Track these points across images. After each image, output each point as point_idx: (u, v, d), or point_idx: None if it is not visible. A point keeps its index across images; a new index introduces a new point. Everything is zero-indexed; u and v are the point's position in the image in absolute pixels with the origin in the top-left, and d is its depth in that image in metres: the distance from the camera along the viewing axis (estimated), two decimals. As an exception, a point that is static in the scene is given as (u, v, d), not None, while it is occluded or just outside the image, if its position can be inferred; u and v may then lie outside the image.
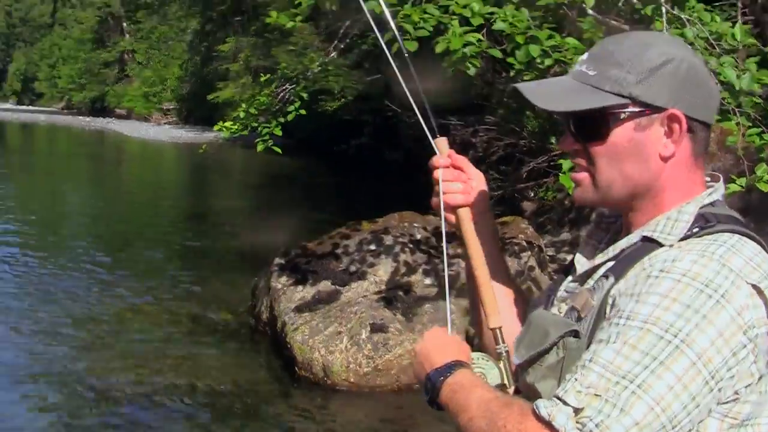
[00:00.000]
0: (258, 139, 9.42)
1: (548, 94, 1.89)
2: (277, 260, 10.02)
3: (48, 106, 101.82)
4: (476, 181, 2.20)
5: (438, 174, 2.16)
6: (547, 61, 6.97)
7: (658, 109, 1.79)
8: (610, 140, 1.81)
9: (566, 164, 6.85)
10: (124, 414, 8.24)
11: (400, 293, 9.10)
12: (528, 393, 1.85)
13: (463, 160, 2.20)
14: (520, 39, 6.98)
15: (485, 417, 1.73)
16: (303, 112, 9.59)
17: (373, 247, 9.72)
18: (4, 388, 8.63)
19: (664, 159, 1.81)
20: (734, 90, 6.65)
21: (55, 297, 11.99)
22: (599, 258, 1.89)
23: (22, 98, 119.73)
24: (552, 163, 12.43)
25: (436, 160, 2.18)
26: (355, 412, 8.40)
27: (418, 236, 9.94)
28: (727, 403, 1.66)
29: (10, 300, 11.74)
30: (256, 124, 9.64)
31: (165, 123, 63.34)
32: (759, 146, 6.60)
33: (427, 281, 9.31)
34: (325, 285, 9.32)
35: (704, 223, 1.77)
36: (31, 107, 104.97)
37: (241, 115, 9.73)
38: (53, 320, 10.86)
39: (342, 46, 12.06)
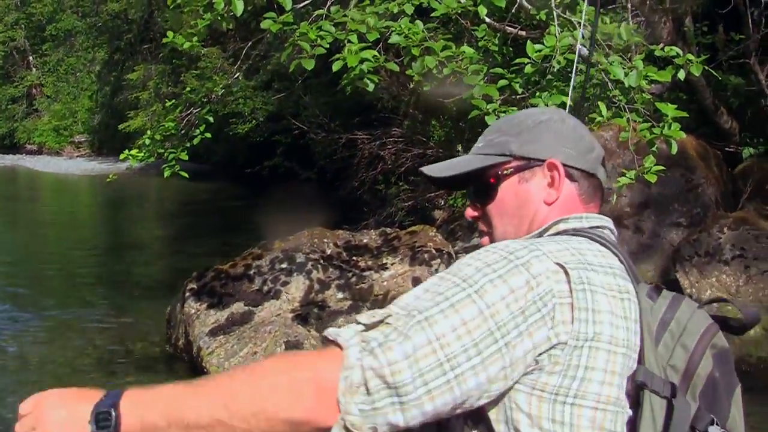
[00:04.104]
0: (165, 165, 9.37)
1: (442, 168, 2.10)
2: (191, 285, 10.00)
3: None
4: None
5: None
6: (445, 71, 7.07)
7: (537, 162, 1.99)
8: (499, 197, 2.02)
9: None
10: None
11: (315, 309, 9.14)
12: None
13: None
14: (415, 51, 7.07)
15: (253, 380, 1.69)
16: (208, 135, 9.54)
17: (285, 265, 9.74)
18: None
19: (548, 204, 1.98)
20: (624, 87, 6.84)
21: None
22: None
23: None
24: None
25: None
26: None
27: (329, 251, 10.00)
28: (532, 372, 1.70)
29: None
30: (162, 150, 9.57)
31: (77, 156, 62.41)
32: (649, 140, 6.77)
33: (340, 295, 9.38)
34: (239, 306, 9.33)
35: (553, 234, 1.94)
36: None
37: (147, 142, 9.65)
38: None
39: (245, 67, 12.08)
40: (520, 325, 1.66)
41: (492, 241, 2.01)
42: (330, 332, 1.68)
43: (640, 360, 1.76)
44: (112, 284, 15.73)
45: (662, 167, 6.89)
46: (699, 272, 9.57)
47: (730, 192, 11.62)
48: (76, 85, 68.64)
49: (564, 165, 1.97)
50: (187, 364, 9.67)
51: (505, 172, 2.00)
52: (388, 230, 10.92)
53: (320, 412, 1.62)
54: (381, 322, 1.66)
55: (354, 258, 9.95)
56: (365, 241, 10.45)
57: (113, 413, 1.70)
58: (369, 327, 1.66)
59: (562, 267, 1.74)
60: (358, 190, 16.14)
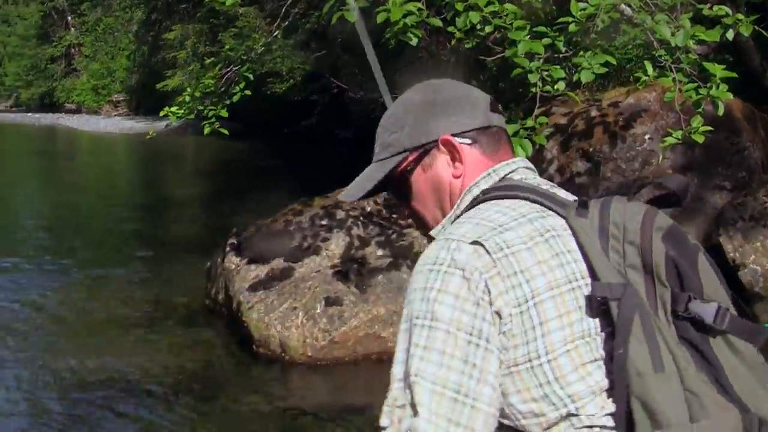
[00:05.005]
0: (205, 122, 9.39)
1: (355, 190, 2.12)
2: (231, 240, 10.01)
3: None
4: None
5: None
6: (488, 28, 7.00)
7: (431, 144, 2.02)
8: (415, 191, 2.06)
9: (509, 129, 6.90)
10: (85, 396, 8.29)
11: (354, 266, 9.13)
12: None
13: None
14: (459, 6, 7.00)
15: None
16: (248, 93, 9.56)
17: (325, 222, 9.72)
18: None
19: (457, 177, 2.02)
20: (670, 47, 6.75)
21: (11, 288, 11.97)
22: None
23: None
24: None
25: None
26: (314, 385, 8.47)
27: (369, 208, 9.97)
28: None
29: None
30: (202, 107, 9.60)
31: (115, 115, 62.73)
32: (696, 101, 6.69)
33: (380, 252, 9.34)
34: (279, 262, 9.32)
35: (468, 207, 1.97)
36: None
37: (187, 99, 9.68)
38: (10, 310, 10.93)
39: (285, 24, 12.05)
40: (484, 316, 1.73)
41: (429, 229, 2.07)
42: None
43: (596, 279, 1.80)
44: (150, 240, 15.83)
45: (710, 128, 6.82)
46: (743, 237, 9.46)
47: (777, 156, 11.45)
48: (114, 45, 68.97)
49: (456, 135, 2.01)
50: (225, 318, 9.70)
51: (408, 168, 2.04)
52: (428, 188, 10.89)
53: None
54: (398, 407, 1.73)
55: (394, 215, 9.91)
56: (405, 199, 10.42)
57: None
58: (394, 421, 1.74)
59: (478, 243, 1.79)
60: (397, 150, 16.07)
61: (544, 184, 2.01)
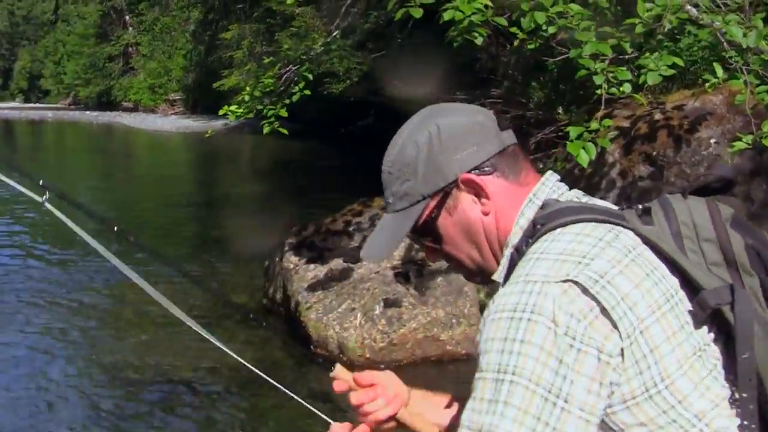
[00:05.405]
0: (264, 122, 9.40)
1: (374, 246, 1.98)
2: (290, 240, 10.01)
3: (55, 103, 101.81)
4: (388, 380, 2.24)
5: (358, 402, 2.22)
6: (551, 29, 6.92)
7: (451, 186, 1.88)
8: (443, 236, 1.91)
9: (573, 132, 6.82)
10: (143, 395, 8.36)
11: (414, 268, 9.08)
12: None
13: (368, 376, 2.24)
14: (524, 6, 6.92)
15: None
16: (308, 92, 9.55)
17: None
18: (21, 373, 8.90)
19: (487, 213, 1.88)
20: (741, 48, 6.61)
21: (68, 284, 12.09)
22: None
23: (29, 96, 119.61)
24: (560, 134, 12.40)
25: (353, 397, 2.21)
26: (372, 387, 8.42)
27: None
28: (613, 393, 1.66)
29: (23, 291, 11.91)
30: (261, 107, 9.61)
31: (172, 114, 63.35)
32: (768, 104, 6.57)
33: (440, 255, 9.29)
34: (338, 263, 9.31)
35: (527, 240, 1.82)
36: (38, 105, 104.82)
37: (246, 98, 9.70)
38: (66, 306, 11.08)
39: (344, 25, 12.05)
40: (566, 373, 1.62)
41: (466, 267, 1.98)
42: None
43: (694, 289, 1.71)
44: (208, 238, 15.90)
45: (783, 132, 6.68)
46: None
47: None
48: (171, 44, 69.68)
49: (473, 169, 1.86)
50: (283, 318, 9.69)
51: (432, 215, 1.90)
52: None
53: None
54: None
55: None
56: (465, 200, 10.37)
57: None
58: None
59: (569, 280, 1.67)
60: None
61: (582, 196, 1.91)
